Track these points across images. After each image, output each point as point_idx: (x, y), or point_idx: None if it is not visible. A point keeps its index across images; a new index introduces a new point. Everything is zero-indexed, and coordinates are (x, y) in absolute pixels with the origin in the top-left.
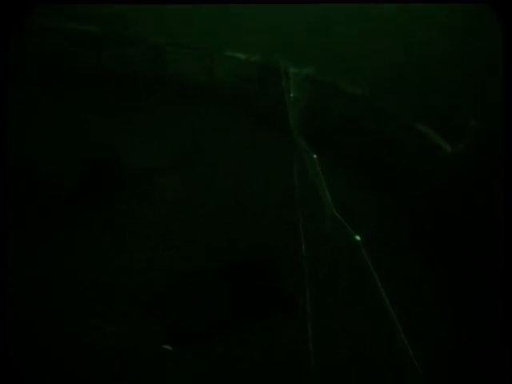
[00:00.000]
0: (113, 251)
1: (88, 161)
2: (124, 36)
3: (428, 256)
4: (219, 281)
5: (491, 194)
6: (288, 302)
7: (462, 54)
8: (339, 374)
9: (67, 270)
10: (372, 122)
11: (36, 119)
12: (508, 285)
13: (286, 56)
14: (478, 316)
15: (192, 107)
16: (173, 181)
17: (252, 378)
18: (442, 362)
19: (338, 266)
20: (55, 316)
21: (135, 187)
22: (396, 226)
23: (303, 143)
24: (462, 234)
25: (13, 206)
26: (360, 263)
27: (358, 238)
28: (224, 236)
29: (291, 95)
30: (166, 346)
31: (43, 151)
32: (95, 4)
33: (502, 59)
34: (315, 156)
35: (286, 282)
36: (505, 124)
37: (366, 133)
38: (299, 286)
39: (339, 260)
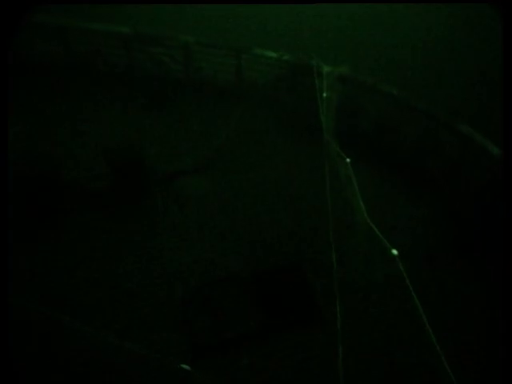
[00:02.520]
0: (139, 255)
1: (114, 162)
2: (152, 35)
3: (472, 269)
4: (247, 288)
5: None
6: (317, 315)
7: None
8: None
9: (88, 274)
10: (410, 124)
11: (60, 119)
12: None
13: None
14: None
15: (220, 107)
16: (201, 184)
17: None
18: None
19: (371, 278)
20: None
21: (162, 190)
22: (436, 236)
23: (336, 146)
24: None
25: (37, 207)
26: (396, 276)
27: (394, 252)
28: (253, 242)
29: (324, 95)
30: (184, 366)
31: (68, 152)
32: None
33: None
34: (348, 160)
35: (315, 293)
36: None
37: (403, 135)
38: (329, 298)
39: (373, 272)
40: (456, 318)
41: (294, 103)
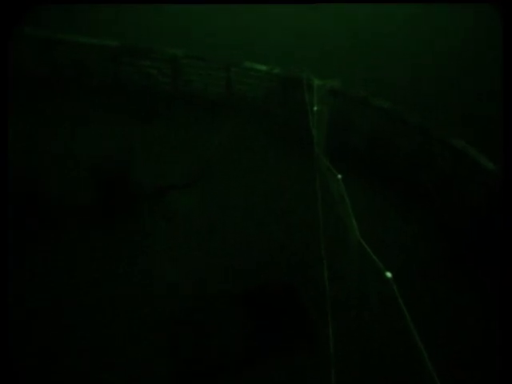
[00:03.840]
0: (125, 273)
1: (100, 177)
2: (140, 48)
3: (467, 283)
4: (235, 308)
5: None
6: (309, 336)
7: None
8: None
9: (68, 295)
10: (402, 138)
11: (47, 132)
12: None
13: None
14: None
15: (210, 121)
16: (189, 199)
17: None
18: None
19: (364, 296)
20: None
21: (149, 205)
22: (430, 250)
23: (327, 161)
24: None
25: (21, 224)
26: (389, 294)
27: (388, 274)
28: (243, 257)
29: (315, 109)
30: None
31: (53, 167)
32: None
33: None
34: (339, 176)
35: (307, 313)
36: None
37: (396, 149)
38: (322, 317)
39: (365, 290)
40: (450, 333)
41: (284, 117)
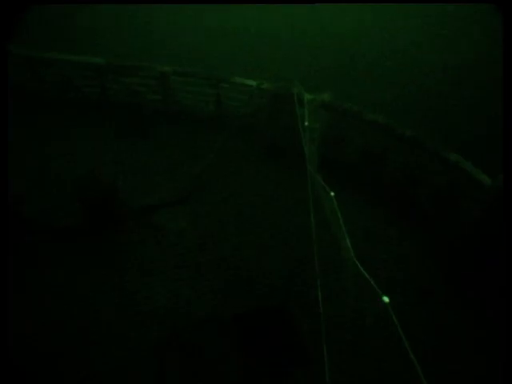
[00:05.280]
0: (111, 295)
1: (85, 196)
2: (127, 65)
3: (467, 306)
4: (227, 331)
5: None
6: (303, 360)
7: None
8: None
9: (55, 315)
10: (398, 153)
11: (31, 149)
12: None
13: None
14: None
15: (199, 137)
16: (179, 217)
17: None
18: None
19: (360, 318)
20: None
21: (137, 225)
22: (426, 268)
23: (319, 178)
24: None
25: (5, 245)
26: (386, 316)
27: (386, 299)
28: (234, 277)
29: (306, 124)
30: None
31: (36, 185)
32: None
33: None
34: (332, 194)
35: (301, 335)
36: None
37: (392, 165)
38: (316, 340)
39: (362, 311)
40: (448, 354)
41: (275, 133)
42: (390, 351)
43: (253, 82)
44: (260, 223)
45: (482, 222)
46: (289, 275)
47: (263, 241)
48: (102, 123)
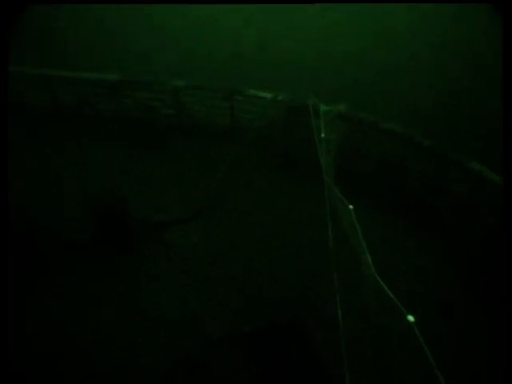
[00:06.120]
0: (121, 312)
1: (98, 211)
2: (140, 81)
3: (487, 313)
4: (241, 350)
5: None
6: (323, 379)
7: None
8: None
9: (65, 333)
10: (416, 162)
11: (44, 166)
12: None
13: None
14: None
15: (213, 152)
16: (192, 234)
17: None
18: None
19: (381, 335)
20: None
21: (149, 241)
22: (449, 281)
23: (337, 190)
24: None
25: (20, 261)
26: (409, 334)
27: (411, 318)
28: (249, 294)
29: (322, 136)
30: None
31: (49, 201)
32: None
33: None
34: (351, 207)
35: (320, 353)
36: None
37: (410, 174)
38: (335, 358)
39: (383, 329)
40: (476, 374)
41: (290, 145)
42: (413, 369)
43: (267, 94)
44: (273, 237)
45: (498, 228)
46: (303, 290)
47: (276, 254)
48: (115, 138)
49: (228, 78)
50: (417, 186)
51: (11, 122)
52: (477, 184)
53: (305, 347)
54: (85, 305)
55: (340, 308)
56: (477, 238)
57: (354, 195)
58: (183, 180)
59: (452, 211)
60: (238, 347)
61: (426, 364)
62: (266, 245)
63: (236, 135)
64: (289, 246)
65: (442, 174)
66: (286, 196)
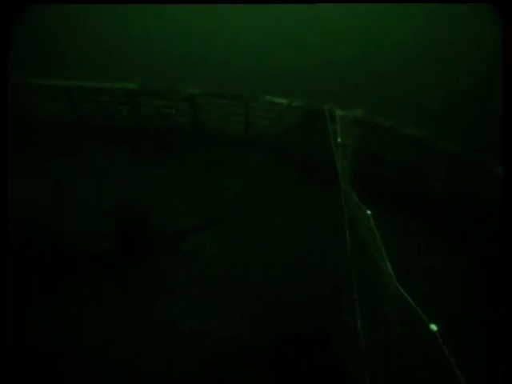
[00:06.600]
0: (141, 322)
1: (118, 221)
2: (158, 89)
3: None
4: (262, 361)
5: None
6: None
7: None
8: None
9: (86, 342)
10: (435, 167)
11: (64, 175)
12: None
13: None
14: None
15: (230, 159)
16: (210, 242)
17: None
18: None
19: (406, 348)
20: None
21: (169, 250)
22: (477, 295)
23: (355, 196)
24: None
25: (42, 270)
26: (435, 347)
27: (434, 327)
28: (269, 304)
29: (339, 141)
30: None
31: (70, 211)
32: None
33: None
34: (369, 212)
35: (341, 365)
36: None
37: (430, 180)
38: (358, 371)
39: (408, 341)
40: None
41: (307, 151)
42: (438, 380)
43: (283, 100)
44: (291, 244)
45: None
46: (325, 299)
47: (295, 261)
48: (134, 146)
49: (236, 85)
50: (439, 192)
51: (28, 132)
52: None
53: (325, 357)
54: (103, 315)
55: (360, 317)
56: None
57: (371, 200)
58: (201, 188)
59: (478, 218)
60: (257, 357)
61: (451, 376)
62: (284, 252)
63: (252, 142)
64: (307, 253)
65: (464, 179)
66: (304, 202)
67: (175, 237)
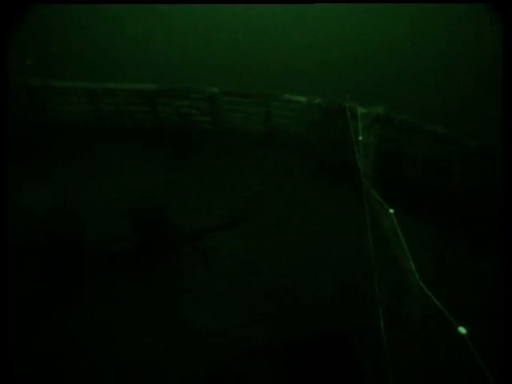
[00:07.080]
0: (162, 321)
1: (138, 221)
2: (177, 89)
3: None
4: (281, 362)
5: None
6: None
7: None
8: None
9: (107, 340)
10: (461, 165)
11: (84, 178)
12: None
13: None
14: None
15: (250, 158)
16: (230, 241)
17: None
18: None
19: (429, 350)
20: None
21: (188, 249)
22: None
23: (377, 194)
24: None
25: (62, 270)
26: (464, 352)
27: (462, 330)
28: (288, 305)
29: (360, 139)
30: None
31: (91, 212)
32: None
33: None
34: (392, 211)
35: (363, 367)
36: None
37: (454, 178)
38: (380, 373)
39: (433, 344)
40: None
41: (328, 149)
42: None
43: (302, 98)
44: (310, 243)
45: None
46: (346, 299)
47: (314, 261)
48: (154, 146)
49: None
50: (464, 190)
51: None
52: None
53: (347, 359)
54: (122, 314)
55: (383, 317)
56: None
57: (394, 200)
58: (221, 186)
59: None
60: (277, 358)
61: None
62: (303, 251)
63: (273, 140)
64: (327, 252)
65: (491, 176)
66: (325, 201)
67: (193, 236)
